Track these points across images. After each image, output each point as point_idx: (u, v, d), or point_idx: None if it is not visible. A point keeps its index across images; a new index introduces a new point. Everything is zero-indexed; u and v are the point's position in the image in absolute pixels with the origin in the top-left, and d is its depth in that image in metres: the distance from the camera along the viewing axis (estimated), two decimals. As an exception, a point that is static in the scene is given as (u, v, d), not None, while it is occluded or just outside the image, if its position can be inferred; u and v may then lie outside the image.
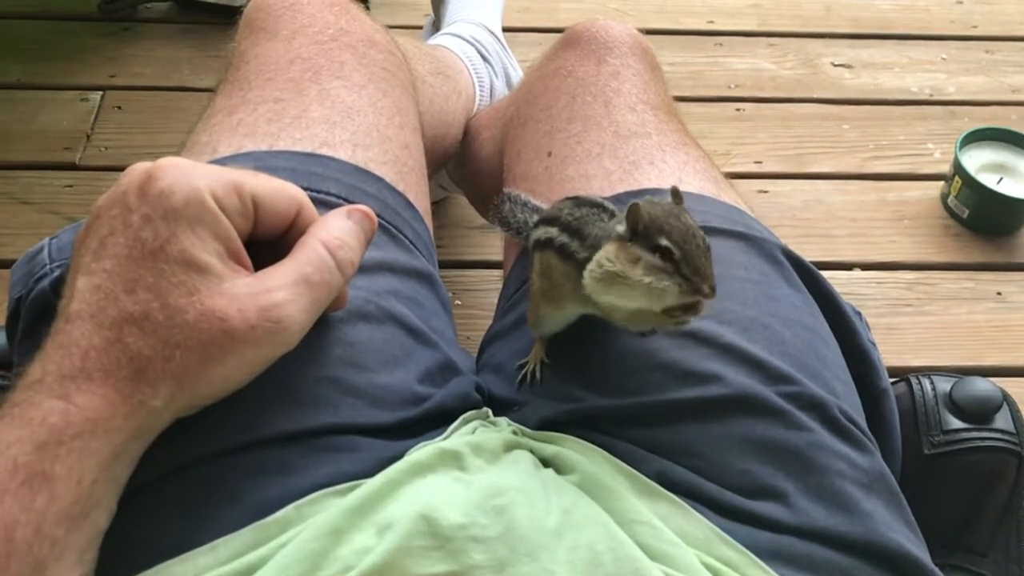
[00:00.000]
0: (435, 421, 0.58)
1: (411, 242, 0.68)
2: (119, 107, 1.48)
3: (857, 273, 1.30)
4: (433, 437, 0.56)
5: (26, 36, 1.59)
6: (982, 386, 0.83)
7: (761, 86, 1.58)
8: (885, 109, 1.55)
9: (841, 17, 1.73)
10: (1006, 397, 0.83)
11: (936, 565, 0.56)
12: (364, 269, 0.56)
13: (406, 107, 0.78)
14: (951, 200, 1.36)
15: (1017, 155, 1.38)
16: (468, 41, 1.27)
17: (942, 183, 1.40)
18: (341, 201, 0.63)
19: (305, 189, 0.54)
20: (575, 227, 0.57)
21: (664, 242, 0.51)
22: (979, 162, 1.37)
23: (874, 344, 0.71)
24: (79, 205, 1.32)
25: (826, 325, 0.66)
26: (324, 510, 0.49)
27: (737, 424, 0.57)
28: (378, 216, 0.57)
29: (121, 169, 0.49)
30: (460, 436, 0.57)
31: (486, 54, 1.27)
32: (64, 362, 0.45)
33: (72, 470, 0.43)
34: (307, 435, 0.53)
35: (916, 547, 0.55)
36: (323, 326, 0.55)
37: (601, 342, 0.61)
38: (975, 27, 1.72)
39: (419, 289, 0.66)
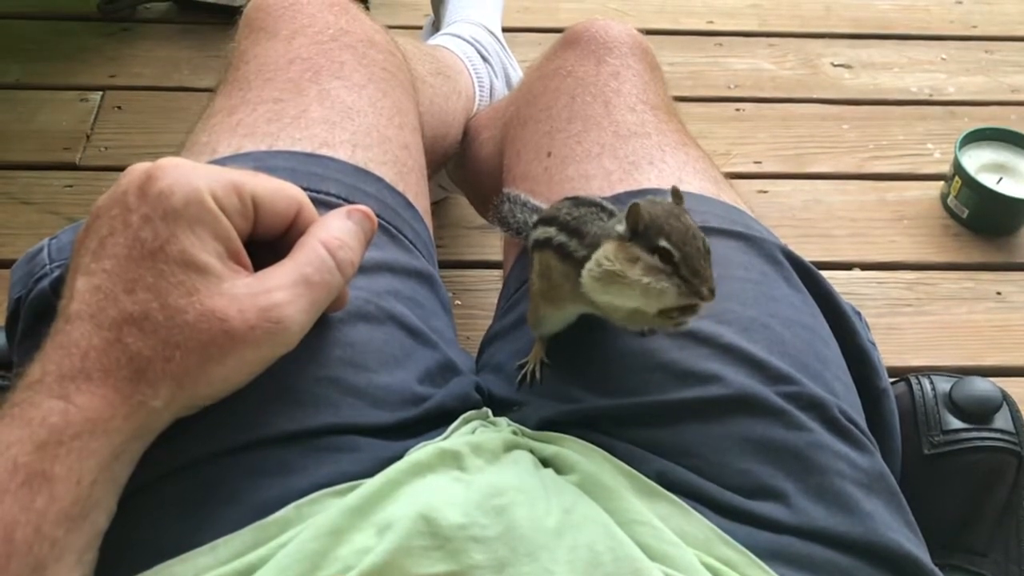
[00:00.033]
0: (435, 421, 0.58)
1: (411, 242, 0.68)
2: (119, 107, 1.48)
3: (857, 273, 1.30)
4: (433, 437, 0.56)
5: (26, 36, 1.59)
6: (982, 386, 0.83)
7: (761, 86, 1.58)
8: (885, 109, 1.55)
9: (841, 17, 1.73)
10: (1006, 397, 0.83)
11: (936, 565, 0.56)
12: (364, 269, 0.56)
13: (406, 107, 0.78)
14: (951, 200, 1.36)
15: (1017, 155, 1.38)
16: (468, 41, 1.27)
17: (942, 183, 1.40)
18: (341, 201, 0.63)
19: (305, 189, 0.54)
20: (574, 227, 0.57)
21: (664, 243, 0.51)
22: (979, 162, 1.37)
23: (874, 344, 0.71)
24: (79, 205, 1.32)
25: (826, 325, 0.66)
26: (324, 510, 0.49)
27: (737, 424, 0.56)
28: (378, 216, 0.57)
29: (121, 169, 0.49)
30: (460, 436, 0.57)
31: (486, 54, 1.27)
32: (64, 362, 0.45)
33: (72, 470, 0.43)
34: (307, 435, 0.53)
35: (916, 547, 0.55)
36: (323, 326, 0.55)
37: (601, 342, 0.61)
38: (975, 27, 1.72)
39: (419, 289, 0.66)
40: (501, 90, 1.27)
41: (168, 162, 0.48)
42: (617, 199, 0.64)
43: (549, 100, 0.80)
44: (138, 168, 0.48)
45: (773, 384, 0.58)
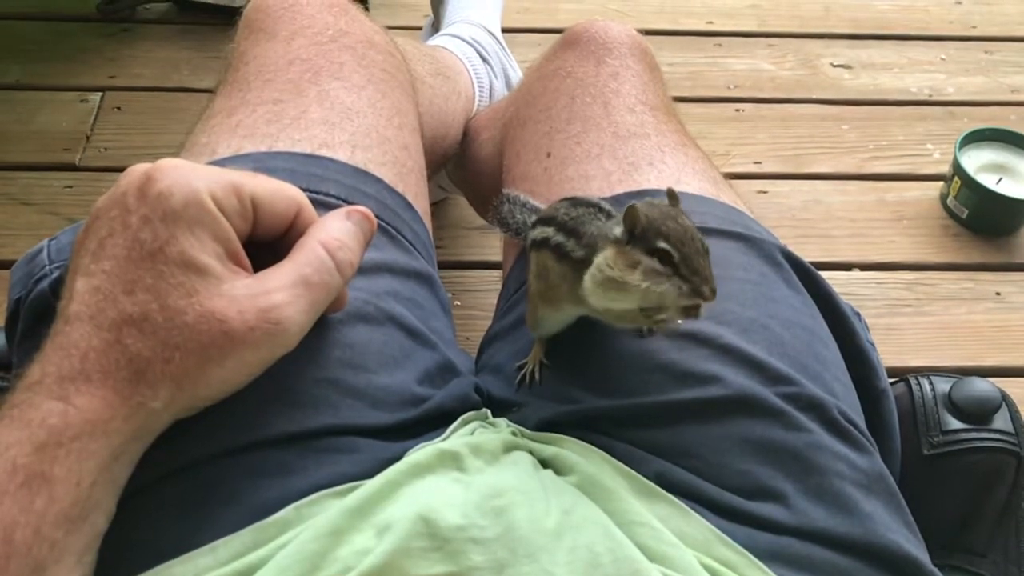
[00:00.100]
0: (434, 422, 0.58)
1: (410, 243, 0.68)
2: (119, 108, 1.48)
3: (856, 273, 1.30)
4: (432, 438, 0.56)
5: (26, 37, 1.59)
6: (981, 386, 0.83)
7: (760, 86, 1.58)
8: (884, 109, 1.55)
9: (840, 18, 1.73)
10: (1005, 397, 0.83)
11: (935, 565, 0.56)
12: (363, 270, 0.56)
13: (405, 108, 0.78)
14: (950, 200, 1.36)
15: (1016, 155, 1.38)
16: (467, 42, 1.27)
17: (941, 183, 1.40)
18: (340, 202, 0.63)
19: (304, 190, 0.54)
20: (571, 227, 0.57)
21: (662, 244, 0.51)
22: (978, 162, 1.37)
23: (873, 345, 0.71)
24: (79, 206, 1.32)
25: (825, 326, 0.66)
26: (323, 511, 0.49)
27: (736, 425, 0.57)
28: (377, 217, 0.57)
29: (121, 170, 0.49)
30: (459, 437, 0.57)
31: (485, 55, 1.27)
32: (63, 363, 0.45)
33: (71, 472, 0.43)
34: (306, 436, 0.53)
35: (915, 548, 0.55)
36: (322, 327, 0.55)
37: (600, 343, 0.61)
38: (974, 27, 1.72)
39: (418, 290, 0.66)
40: (501, 91, 1.27)
41: (167, 163, 0.48)
42: (616, 200, 0.64)
43: (549, 101, 0.80)
44: (137, 169, 0.48)
45: (772, 385, 0.58)
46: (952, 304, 1.27)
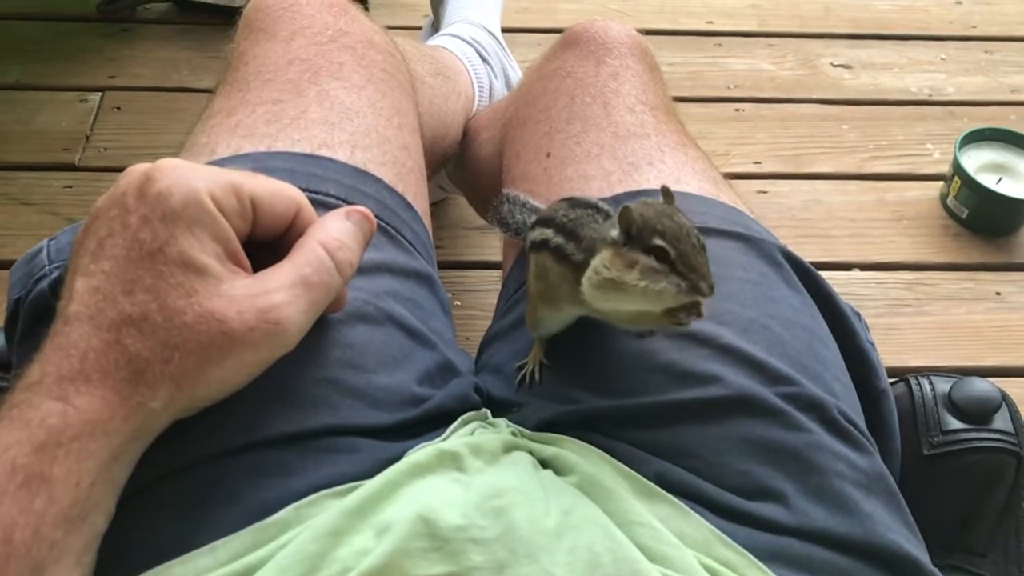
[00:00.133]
0: (434, 422, 0.58)
1: (410, 243, 0.68)
2: (118, 108, 1.48)
3: (856, 273, 1.30)
4: (432, 438, 0.56)
5: (26, 37, 1.59)
6: (981, 386, 0.83)
7: (760, 86, 1.58)
8: (884, 109, 1.55)
9: (840, 17, 1.73)
10: (1005, 397, 0.83)
11: (935, 566, 0.56)
12: (363, 270, 0.56)
13: (405, 108, 0.78)
14: (950, 200, 1.36)
15: (1016, 155, 1.38)
16: (467, 42, 1.27)
17: (941, 183, 1.40)
18: (340, 202, 0.63)
19: (304, 190, 0.54)
20: (570, 228, 0.57)
21: (658, 242, 0.50)
22: (978, 162, 1.37)
23: (873, 345, 0.71)
24: (78, 206, 1.32)
25: (825, 326, 0.66)
26: (323, 511, 0.49)
27: (736, 425, 0.56)
28: (377, 217, 0.57)
29: (120, 170, 0.49)
30: (459, 437, 0.57)
31: (485, 55, 1.27)
32: (63, 364, 0.44)
33: (70, 472, 0.43)
34: (306, 436, 0.53)
35: (915, 548, 0.55)
36: (322, 327, 0.55)
37: (600, 343, 0.61)
38: (974, 27, 1.72)
39: (418, 290, 0.66)
40: (500, 91, 1.27)
41: (167, 163, 0.48)
42: (616, 200, 0.64)
43: (548, 101, 0.80)
44: (137, 169, 0.48)
45: (772, 385, 0.58)
46: (952, 304, 1.27)
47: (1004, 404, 0.83)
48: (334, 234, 0.52)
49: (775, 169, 1.44)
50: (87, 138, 1.42)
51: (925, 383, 0.85)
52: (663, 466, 0.55)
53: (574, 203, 0.59)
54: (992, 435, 0.81)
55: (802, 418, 0.57)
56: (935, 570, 0.55)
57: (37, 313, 0.56)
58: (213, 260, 0.47)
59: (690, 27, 1.69)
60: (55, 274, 0.56)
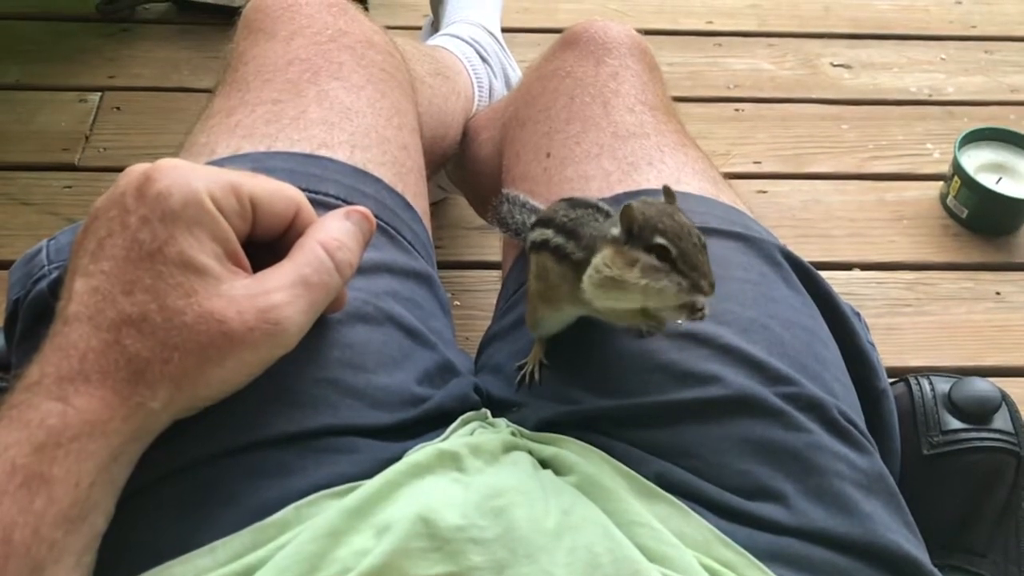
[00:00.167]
0: (434, 422, 0.58)
1: (410, 243, 0.68)
2: (118, 108, 1.48)
3: (856, 273, 1.30)
4: (432, 438, 0.56)
5: (25, 37, 1.59)
6: (981, 386, 0.83)
7: (760, 86, 1.58)
8: (884, 109, 1.55)
9: (840, 17, 1.73)
10: (1005, 397, 0.83)
11: (935, 565, 0.56)
12: (363, 270, 0.56)
13: (405, 108, 0.78)
14: (950, 200, 1.36)
15: (1016, 155, 1.38)
16: (467, 42, 1.27)
17: (941, 183, 1.40)
18: (339, 202, 0.63)
19: (303, 190, 0.54)
20: (570, 228, 0.57)
21: (660, 241, 0.51)
22: (978, 162, 1.37)
23: (873, 345, 0.71)
24: (78, 206, 1.32)
25: (825, 326, 0.66)
26: (323, 512, 0.49)
27: (736, 425, 0.56)
28: (376, 217, 0.57)
29: (120, 170, 0.49)
30: (459, 437, 0.57)
31: (485, 55, 1.27)
32: (62, 364, 0.44)
33: (70, 472, 0.43)
34: (306, 436, 0.53)
35: (915, 548, 0.55)
36: (322, 327, 0.55)
37: (600, 343, 0.61)
38: (974, 27, 1.72)
39: (418, 290, 0.66)
40: (500, 91, 1.27)
41: (166, 163, 0.48)
42: (616, 200, 0.64)
43: (548, 101, 0.80)
44: (136, 169, 0.48)
45: (772, 385, 0.58)
46: (952, 304, 1.27)
47: (1004, 404, 0.83)
48: (334, 234, 0.51)
49: (775, 169, 1.44)
50: (86, 138, 1.42)
51: (925, 383, 0.85)
52: (663, 466, 0.55)
53: (574, 203, 0.59)
54: (992, 435, 0.81)
55: (802, 418, 0.57)
56: (935, 570, 0.55)
57: (36, 313, 0.56)
58: (212, 260, 0.47)
59: (690, 27, 1.69)
60: (54, 274, 0.56)
